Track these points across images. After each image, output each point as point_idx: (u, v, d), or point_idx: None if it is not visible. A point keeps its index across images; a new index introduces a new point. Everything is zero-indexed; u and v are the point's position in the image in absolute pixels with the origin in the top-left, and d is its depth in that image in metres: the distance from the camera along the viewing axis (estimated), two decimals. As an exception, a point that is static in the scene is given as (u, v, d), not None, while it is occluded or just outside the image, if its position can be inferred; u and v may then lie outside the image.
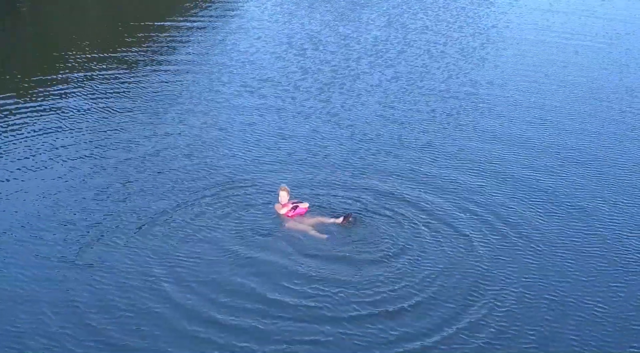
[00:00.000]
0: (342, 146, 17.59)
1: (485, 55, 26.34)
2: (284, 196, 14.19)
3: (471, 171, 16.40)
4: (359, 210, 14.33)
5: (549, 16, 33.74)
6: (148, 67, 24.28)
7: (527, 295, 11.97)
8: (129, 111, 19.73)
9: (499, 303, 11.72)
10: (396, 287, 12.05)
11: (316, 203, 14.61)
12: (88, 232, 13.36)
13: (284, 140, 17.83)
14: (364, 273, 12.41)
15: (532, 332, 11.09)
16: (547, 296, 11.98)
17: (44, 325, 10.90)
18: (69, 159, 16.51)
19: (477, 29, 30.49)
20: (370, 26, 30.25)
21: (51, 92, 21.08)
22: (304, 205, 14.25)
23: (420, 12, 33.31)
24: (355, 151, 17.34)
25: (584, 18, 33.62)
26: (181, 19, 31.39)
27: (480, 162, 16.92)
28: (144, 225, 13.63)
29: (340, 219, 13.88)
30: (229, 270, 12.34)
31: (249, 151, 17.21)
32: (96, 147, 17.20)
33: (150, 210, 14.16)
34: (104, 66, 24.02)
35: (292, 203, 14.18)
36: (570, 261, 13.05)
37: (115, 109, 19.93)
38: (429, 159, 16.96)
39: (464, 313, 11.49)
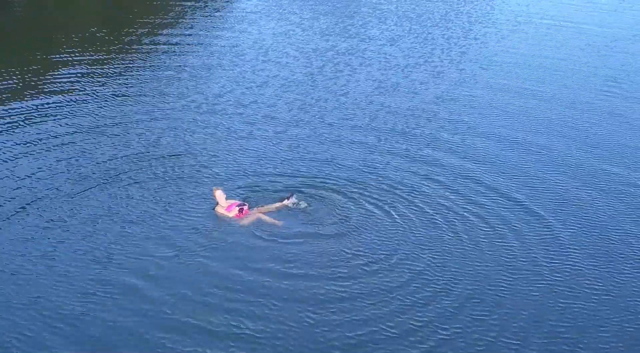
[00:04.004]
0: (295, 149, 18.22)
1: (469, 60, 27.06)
2: (222, 196, 14.58)
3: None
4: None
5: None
6: (135, 57, 25.80)
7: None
8: (107, 104, 20.89)
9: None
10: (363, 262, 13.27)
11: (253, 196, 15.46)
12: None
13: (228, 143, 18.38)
14: (331, 251, 13.53)
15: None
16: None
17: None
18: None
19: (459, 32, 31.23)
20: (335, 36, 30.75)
21: (36, 83, 22.34)
22: (245, 205, 14.73)
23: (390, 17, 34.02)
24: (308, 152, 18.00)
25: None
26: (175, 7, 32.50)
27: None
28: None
29: (286, 201, 14.64)
30: (210, 283, 12.51)
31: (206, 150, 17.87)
32: (75, 139, 18.12)
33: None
34: (92, 57, 25.61)
35: (237, 205, 14.62)
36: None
37: (96, 101, 21.11)
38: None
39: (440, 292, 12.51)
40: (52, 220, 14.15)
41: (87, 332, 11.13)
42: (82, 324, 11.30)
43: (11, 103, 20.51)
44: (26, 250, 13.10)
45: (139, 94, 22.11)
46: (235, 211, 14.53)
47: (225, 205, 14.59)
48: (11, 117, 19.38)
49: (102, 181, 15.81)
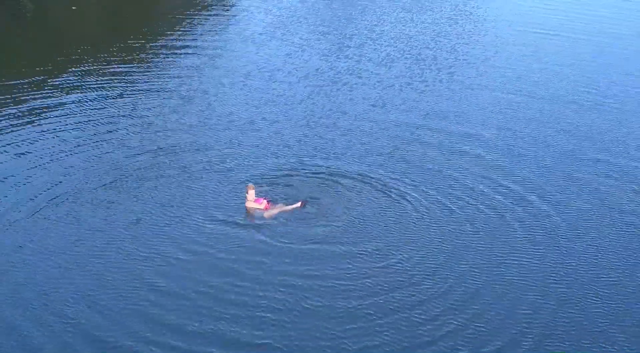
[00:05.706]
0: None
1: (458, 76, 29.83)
2: (252, 194, 17.52)
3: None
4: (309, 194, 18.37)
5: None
6: (141, 67, 29.37)
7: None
8: (116, 112, 24.21)
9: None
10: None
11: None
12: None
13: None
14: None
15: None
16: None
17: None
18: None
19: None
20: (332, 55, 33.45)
21: (45, 94, 25.40)
22: (269, 198, 17.81)
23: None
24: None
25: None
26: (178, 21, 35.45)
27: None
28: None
29: (299, 203, 17.54)
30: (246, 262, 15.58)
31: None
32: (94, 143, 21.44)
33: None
34: (100, 68, 28.97)
35: (264, 198, 17.62)
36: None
37: (107, 111, 24.35)
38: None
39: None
40: (94, 221, 16.90)
41: (139, 321, 13.59)
42: (133, 314, 13.83)
43: (23, 109, 23.73)
44: (75, 249, 15.70)
45: (156, 107, 25.08)
46: (264, 203, 17.53)
47: (253, 199, 17.54)
48: (25, 123, 22.58)
49: (134, 186, 18.69)
